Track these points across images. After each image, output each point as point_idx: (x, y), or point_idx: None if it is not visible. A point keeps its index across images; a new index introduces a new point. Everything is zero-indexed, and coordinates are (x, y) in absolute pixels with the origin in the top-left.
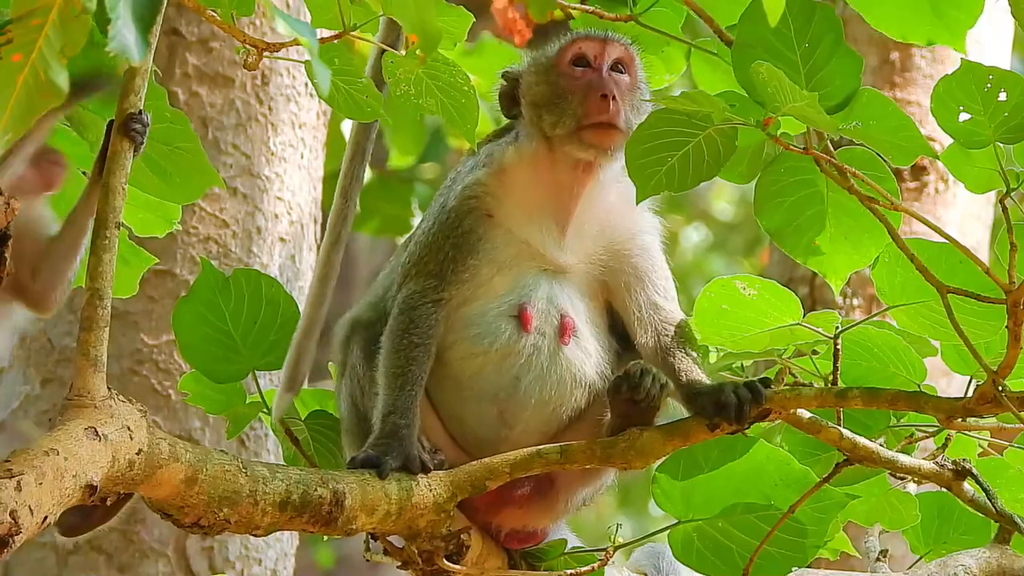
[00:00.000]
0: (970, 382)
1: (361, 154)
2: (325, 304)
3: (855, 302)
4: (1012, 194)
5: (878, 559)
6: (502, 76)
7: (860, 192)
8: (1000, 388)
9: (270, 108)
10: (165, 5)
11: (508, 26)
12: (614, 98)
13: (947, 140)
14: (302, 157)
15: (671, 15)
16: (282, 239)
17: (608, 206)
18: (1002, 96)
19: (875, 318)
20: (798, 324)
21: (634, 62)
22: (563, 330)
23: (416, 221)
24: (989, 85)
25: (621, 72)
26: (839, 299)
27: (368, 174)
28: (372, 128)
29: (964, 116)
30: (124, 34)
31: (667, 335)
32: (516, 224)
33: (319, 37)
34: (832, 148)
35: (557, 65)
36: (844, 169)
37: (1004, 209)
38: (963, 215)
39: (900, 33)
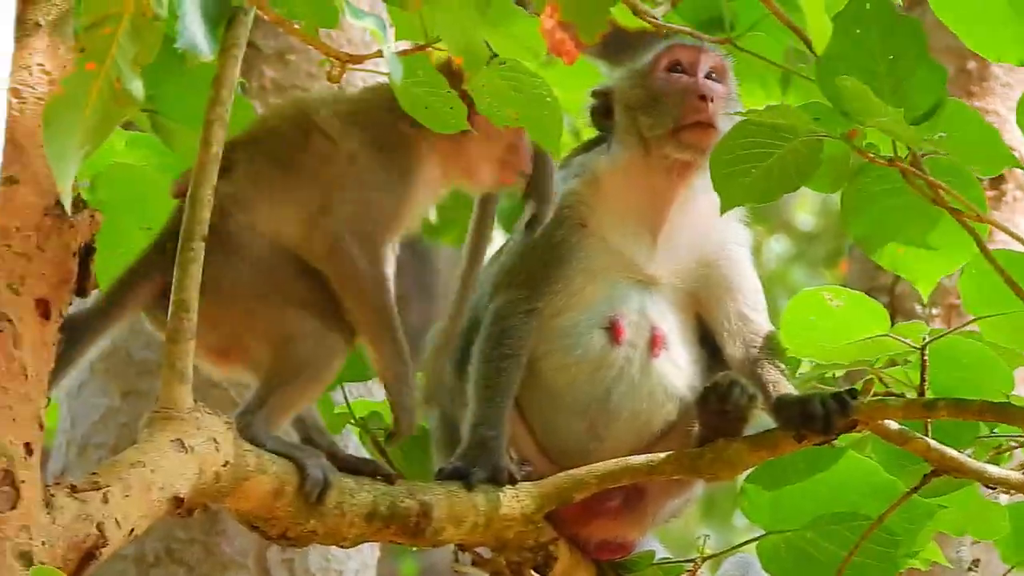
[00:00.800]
0: None
1: (489, 223)
2: (461, 321)
3: (934, 311)
4: None
5: (969, 569)
6: (592, 95)
7: (946, 203)
8: None
9: None
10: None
11: (556, 47)
12: (711, 99)
13: None
14: None
15: (770, 40)
16: None
17: (699, 216)
18: None
19: (962, 328)
20: (885, 335)
21: (728, 73)
22: (654, 343)
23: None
24: None
25: (716, 81)
26: (919, 308)
27: None
28: (495, 200)
29: None
30: (192, 30)
31: (756, 347)
32: (609, 233)
33: (402, 49)
34: (917, 158)
35: (653, 71)
36: (931, 181)
37: None
38: None
39: (994, 53)
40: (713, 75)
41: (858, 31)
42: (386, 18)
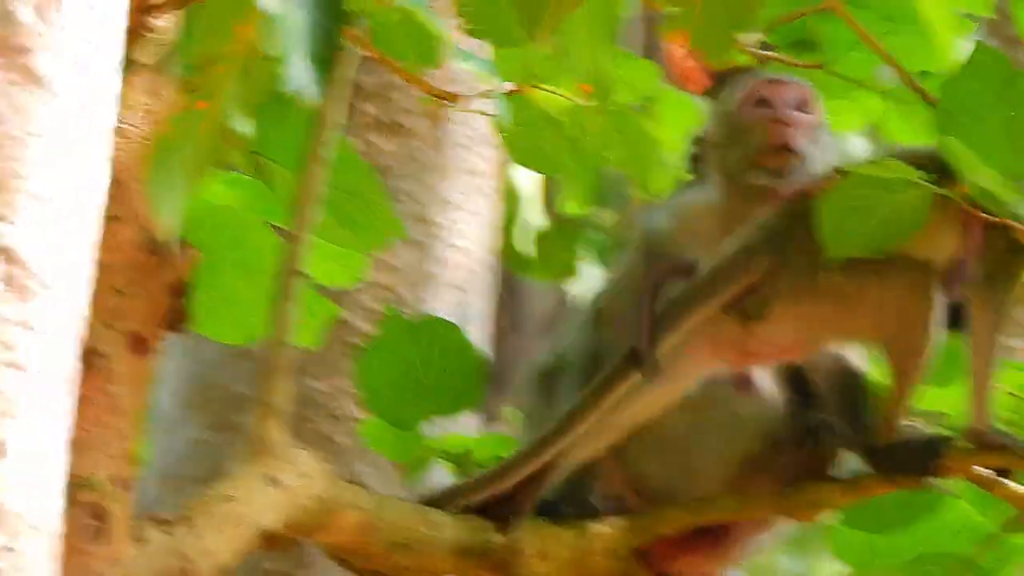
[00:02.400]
0: None
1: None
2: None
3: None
4: None
5: None
6: (692, 142)
7: None
8: None
9: (446, 156)
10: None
11: (686, 75)
12: (791, 125)
13: None
14: (475, 204)
15: (862, 60)
16: (453, 285)
17: None
18: None
19: None
20: None
21: (814, 103)
22: (742, 379)
23: (585, 267)
24: None
25: (803, 112)
26: None
27: (541, 221)
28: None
29: None
30: (300, 72)
31: (848, 386)
32: (699, 268)
33: (507, 90)
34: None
35: (739, 108)
36: None
37: None
38: None
39: None
40: (800, 107)
41: (973, 84)
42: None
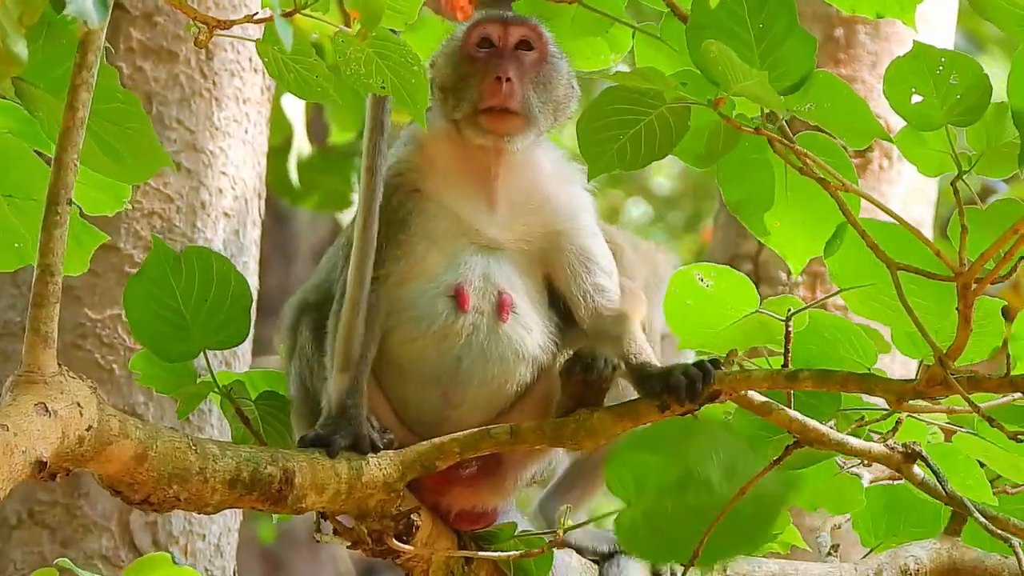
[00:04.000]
0: (920, 365)
1: (380, 127)
2: (367, 283)
3: (799, 279)
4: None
5: (829, 553)
6: (430, 65)
7: (813, 173)
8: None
9: (214, 83)
10: None
11: (451, 3)
12: (508, 80)
13: (894, 119)
14: (246, 132)
15: None
16: (226, 214)
17: (538, 183)
18: (953, 80)
19: (826, 299)
20: (756, 312)
21: (541, 38)
22: (501, 307)
23: (355, 196)
24: (941, 68)
25: (527, 49)
26: (783, 276)
27: (308, 149)
28: (387, 101)
29: (916, 98)
30: None
31: (613, 315)
32: (445, 198)
33: (268, 15)
34: (790, 133)
35: (463, 47)
36: (797, 150)
37: (956, 192)
38: (907, 192)
39: (850, 6)
40: (524, 44)
41: None
42: None
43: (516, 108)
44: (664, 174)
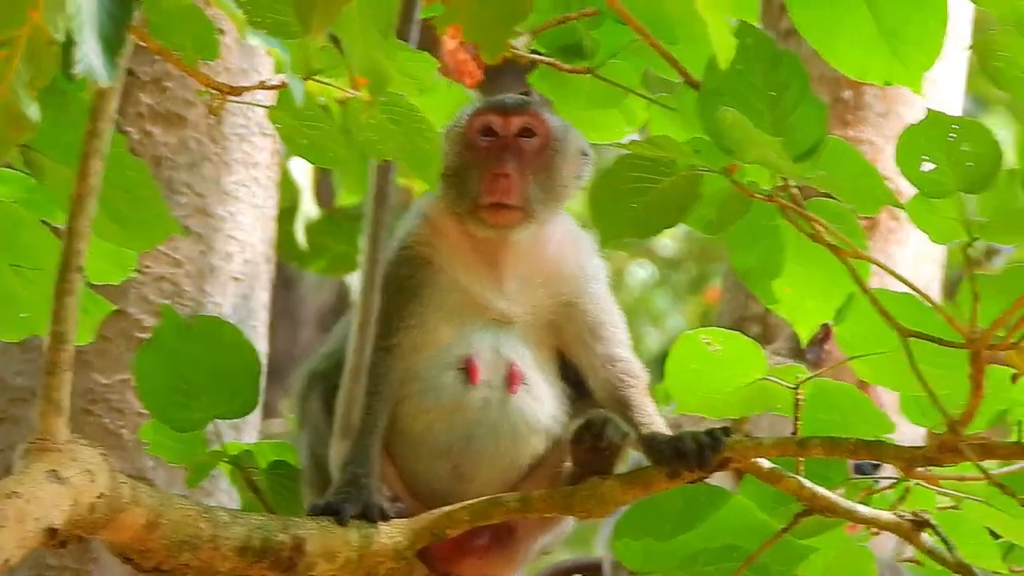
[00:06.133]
0: (928, 433)
1: (383, 196)
2: (367, 348)
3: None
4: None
5: None
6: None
7: (825, 240)
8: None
9: (224, 148)
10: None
11: (459, 68)
12: (507, 176)
13: (902, 180)
14: (255, 196)
15: (629, 68)
16: (235, 278)
17: (546, 256)
18: (965, 148)
19: (835, 367)
20: (765, 379)
21: (544, 124)
22: (511, 379)
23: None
24: (953, 135)
25: (530, 136)
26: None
27: (315, 212)
28: (391, 170)
29: (928, 166)
30: (90, 57)
31: (625, 385)
32: (455, 272)
33: (281, 82)
34: (797, 195)
35: (465, 135)
36: (809, 216)
37: (967, 259)
38: (915, 253)
39: (858, 72)
40: (527, 132)
41: (739, 67)
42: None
43: (516, 203)
44: (668, 235)
